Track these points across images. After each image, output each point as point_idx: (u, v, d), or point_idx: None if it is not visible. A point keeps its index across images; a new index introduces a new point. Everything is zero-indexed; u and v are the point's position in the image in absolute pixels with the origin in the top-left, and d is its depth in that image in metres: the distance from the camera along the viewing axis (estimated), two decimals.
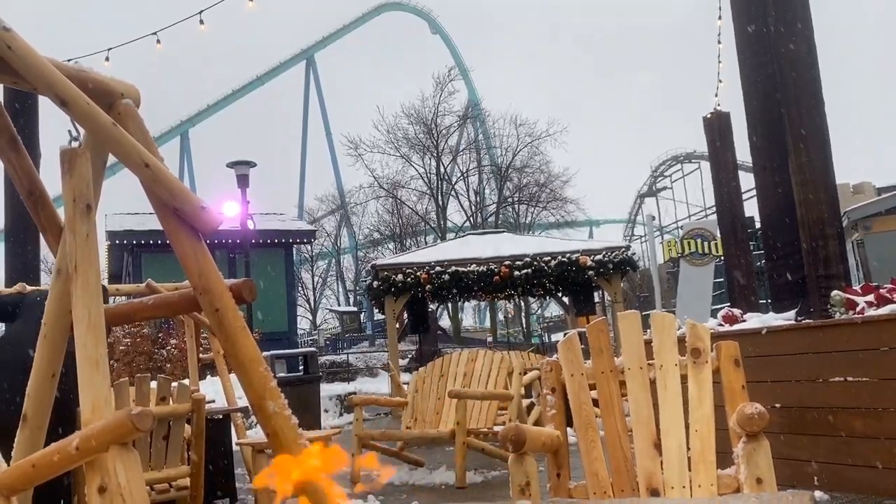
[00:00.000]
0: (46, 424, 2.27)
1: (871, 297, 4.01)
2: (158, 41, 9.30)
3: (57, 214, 2.33)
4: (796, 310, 4.71)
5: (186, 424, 4.53)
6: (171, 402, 4.36)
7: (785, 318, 4.57)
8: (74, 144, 2.19)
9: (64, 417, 2.85)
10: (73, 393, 2.24)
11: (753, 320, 4.73)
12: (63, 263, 2.19)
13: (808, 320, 4.50)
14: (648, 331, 2.79)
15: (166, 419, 4.31)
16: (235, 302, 2.10)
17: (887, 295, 3.95)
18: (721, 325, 5.01)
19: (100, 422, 1.80)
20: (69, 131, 2.13)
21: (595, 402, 2.61)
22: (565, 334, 3.33)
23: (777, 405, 4.22)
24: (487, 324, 43.69)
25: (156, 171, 2.09)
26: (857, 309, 4.03)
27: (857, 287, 4.40)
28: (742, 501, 0.90)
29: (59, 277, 2.23)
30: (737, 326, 4.79)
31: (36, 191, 2.27)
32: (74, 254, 2.04)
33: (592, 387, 2.65)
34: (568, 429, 2.61)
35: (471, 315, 50.30)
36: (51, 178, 2.45)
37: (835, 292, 4.25)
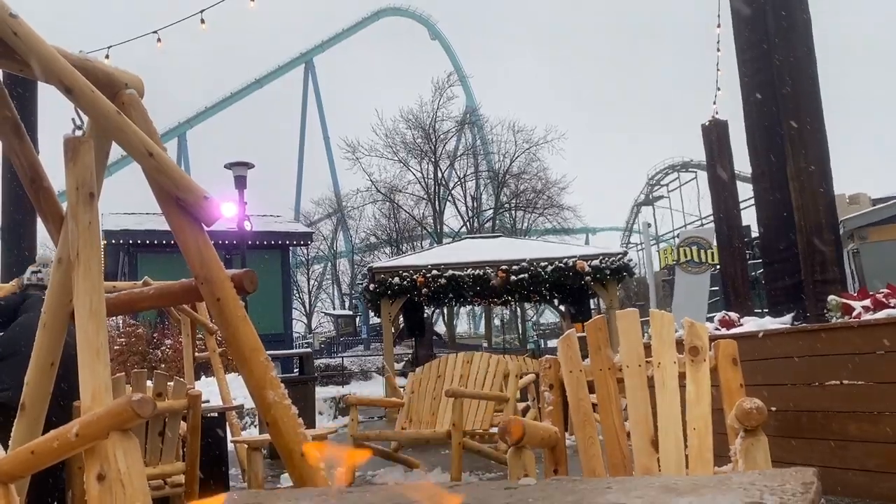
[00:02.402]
0: (45, 413, 2.27)
1: (867, 302, 4.03)
2: (159, 40, 9.30)
3: (58, 203, 2.33)
4: (793, 314, 4.73)
5: (182, 421, 4.52)
6: (166, 398, 4.35)
7: (781, 322, 4.59)
8: (78, 133, 2.19)
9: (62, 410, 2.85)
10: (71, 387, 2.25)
11: (750, 324, 4.74)
12: (64, 252, 2.19)
13: (804, 324, 4.52)
14: (646, 334, 2.80)
15: (162, 415, 4.30)
16: (237, 292, 2.11)
17: (883, 300, 3.97)
18: (718, 329, 5.02)
19: (100, 408, 1.80)
20: (73, 120, 2.13)
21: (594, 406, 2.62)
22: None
23: (773, 408, 4.23)
24: (483, 330, 43.67)
25: (159, 160, 2.10)
26: (854, 313, 4.05)
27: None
28: (744, 477, 0.91)
29: (60, 266, 2.23)
30: (733, 330, 4.80)
31: (38, 179, 2.27)
32: (76, 241, 2.04)
33: (591, 384, 2.66)
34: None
35: (466, 321, 50.28)
36: (49, 170, 2.45)
37: (831, 297, 4.27)
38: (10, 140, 2.21)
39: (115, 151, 2.43)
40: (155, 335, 14.18)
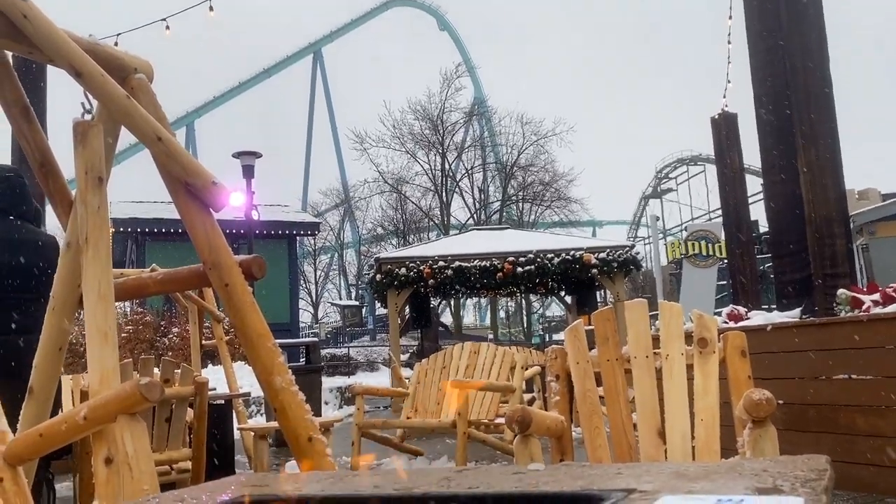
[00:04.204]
0: (53, 397, 2.28)
1: (877, 296, 4.01)
2: (168, 27, 9.30)
3: (67, 187, 2.33)
4: (801, 308, 4.71)
5: (189, 408, 4.54)
6: (173, 385, 4.37)
7: (790, 316, 4.57)
8: (87, 117, 2.19)
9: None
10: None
11: (758, 318, 4.73)
12: (73, 236, 2.20)
13: (813, 318, 4.50)
14: (654, 326, 2.79)
15: (169, 402, 4.32)
16: (245, 278, 2.11)
17: (893, 294, 3.95)
18: (726, 322, 5.00)
19: (108, 391, 1.81)
20: (82, 104, 2.13)
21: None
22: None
23: (780, 402, 4.21)
24: (488, 322, 43.71)
25: (168, 145, 2.10)
26: (863, 307, 4.03)
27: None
28: (755, 463, 0.90)
29: (69, 250, 2.23)
30: (741, 324, 4.79)
31: (47, 163, 2.27)
32: (85, 226, 2.04)
33: (598, 376, 2.65)
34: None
35: (472, 313, 50.33)
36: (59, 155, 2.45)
37: (841, 290, 4.25)
38: (20, 123, 2.21)
39: (124, 140, 2.43)
40: (162, 323, 14.25)
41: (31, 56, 2.09)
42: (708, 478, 0.80)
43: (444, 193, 36.76)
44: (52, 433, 1.81)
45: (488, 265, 13.83)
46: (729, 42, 9.55)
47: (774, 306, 6.24)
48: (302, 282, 37.49)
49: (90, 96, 2.16)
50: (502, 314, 43.98)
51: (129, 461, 1.64)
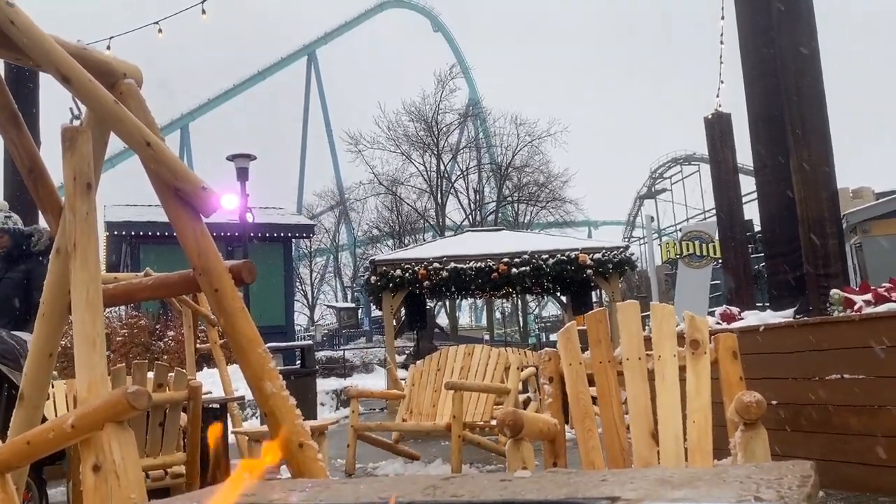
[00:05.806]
0: (43, 403, 2.27)
1: (869, 296, 4.01)
2: (160, 31, 9.27)
3: (57, 193, 2.32)
4: (794, 308, 4.72)
5: (182, 413, 4.52)
6: (167, 390, 4.35)
7: (783, 316, 4.57)
8: (76, 123, 2.18)
9: None
10: None
11: (751, 318, 4.73)
12: (62, 242, 2.19)
13: (805, 318, 4.50)
14: (647, 327, 2.79)
15: (163, 406, 4.30)
16: (235, 283, 2.10)
17: (885, 294, 3.95)
18: (719, 323, 5.01)
19: (96, 399, 1.80)
20: (70, 109, 2.12)
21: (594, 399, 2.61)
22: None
23: (773, 402, 4.22)
24: (484, 322, 43.69)
25: (157, 150, 2.09)
26: (856, 307, 4.03)
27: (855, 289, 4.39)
28: (741, 470, 0.90)
29: (59, 256, 2.22)
30: (735, 324, 4.79)
31: (36, 169, 2.26)
32: (74, 232, 2.03)
33: (591, 377, 2.65)
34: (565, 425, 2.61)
35: (468, 313, 50.33)
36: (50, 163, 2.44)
37: (834, 290, 4.25)
38: (8, 130, 2.20)
39: (119, 143, 2.42)
40: (157, 327, 14.21)
41: (19, 62, 2.08)
42: (692, 485, 0.80)
43: (439, 195, 36.73)
44: (40, 441, 1.80)
45: (484, 266, 13.81)
46: (722, 42, 9.57)
47: (769, 304, 6.23)
48: (297, 284, 37.43)
49: (78, 102, 2.16)
50: (498, 315, 43.98)
51: (117, 469, 1.64)
